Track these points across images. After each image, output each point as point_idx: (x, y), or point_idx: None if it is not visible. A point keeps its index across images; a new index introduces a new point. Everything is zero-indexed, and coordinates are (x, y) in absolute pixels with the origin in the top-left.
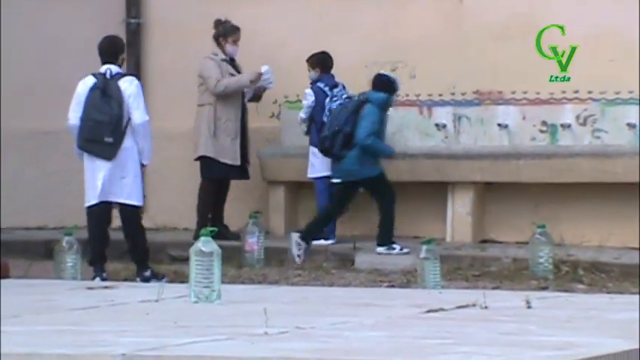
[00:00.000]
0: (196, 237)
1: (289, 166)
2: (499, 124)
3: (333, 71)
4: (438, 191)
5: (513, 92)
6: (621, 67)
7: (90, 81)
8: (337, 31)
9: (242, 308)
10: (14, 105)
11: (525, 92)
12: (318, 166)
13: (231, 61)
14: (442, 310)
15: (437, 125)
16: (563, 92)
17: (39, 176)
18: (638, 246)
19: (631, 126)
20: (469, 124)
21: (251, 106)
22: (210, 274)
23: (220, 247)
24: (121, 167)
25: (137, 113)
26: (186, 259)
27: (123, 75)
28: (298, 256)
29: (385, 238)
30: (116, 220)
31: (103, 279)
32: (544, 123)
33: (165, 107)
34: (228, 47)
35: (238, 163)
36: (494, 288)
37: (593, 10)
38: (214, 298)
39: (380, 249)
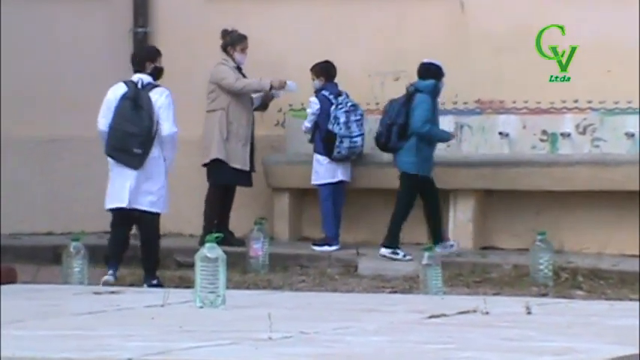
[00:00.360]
0: (202, 243)
1: (294, 174)
2: (500, 133)
3: (336, 80)
4: (440, 198)
5: (514, 102)
6: (620, 78)
7: (121, 89)
8: (341, 40)
9: (246, 313)
10: (21, 112)
11: (526, 102)
12: (322, 173)
13: (238, 70)
14: (444, 315)
15: None
16: (563, 102)
17: (46, 183)
18: (636, 253)
19: (629, 135)
20: (471, 132)
21: (256, 114)
22: (215, 280)
23: (225, 252)
24: (148, 176)
25: (166, 125)
26: (191, 265)
27: (155, 86)
28: (451, 248)
29: (392, 239)
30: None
31: (115, 277)
32: (544, 132)
33: None
34: (237, 55)
35: (247, 168)
36: (495, 294)
37: (594, 20)
38: (219, 303)
39: (384, 250)
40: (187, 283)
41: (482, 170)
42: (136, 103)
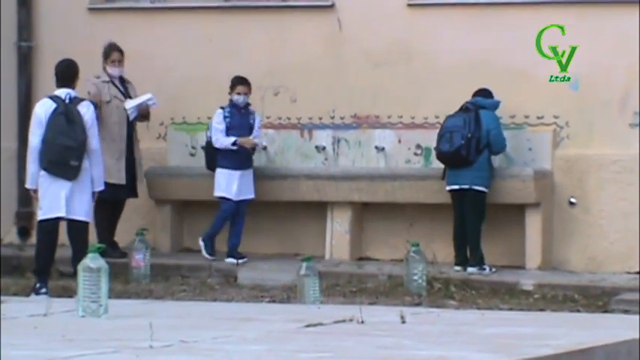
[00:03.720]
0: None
1: (175, 186)
2: (376, 147)
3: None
4: (317, 210)
5: (389, 117)
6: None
7: (48, 104)
8: (224, 55)
9: (128, 322)
10: None
11: (401, 117)
12: (224, 186)
13: (122, 82)
14: (321, 324)
15: (317, 147)
16: (437, 117)
17: None
18: (506, 264)
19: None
20: (348, 146)
21: (142, 127)
22: (97, 290)
23: (108, 263)
24: (80, 187)
25: (94, 140)
26: (74, 275)
27: (80, 100)
28: (489, 269)
29: (480, 259)
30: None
31: (46, 292)
32: (418, 146)
33: None
34: (109, 68)
35: (124, 182)
36: (370, 303)
37: (471, 38)
38: (101, 312)
39: (471, 269)
40: (70, 293)
41: (359, 183)
42: (68, 118)
